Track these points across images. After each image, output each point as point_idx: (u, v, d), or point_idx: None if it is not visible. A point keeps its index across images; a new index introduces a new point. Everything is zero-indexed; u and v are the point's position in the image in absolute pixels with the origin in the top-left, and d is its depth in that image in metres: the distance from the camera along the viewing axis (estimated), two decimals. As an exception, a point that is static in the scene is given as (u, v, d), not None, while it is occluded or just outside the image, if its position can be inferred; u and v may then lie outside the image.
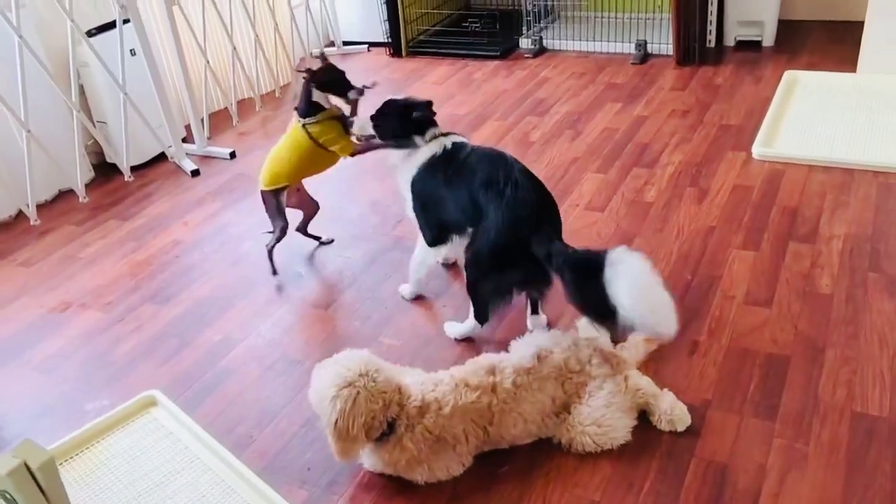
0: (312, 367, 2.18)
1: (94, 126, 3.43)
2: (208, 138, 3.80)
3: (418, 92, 4.14)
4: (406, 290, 2.47)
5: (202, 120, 3.78)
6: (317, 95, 2.43)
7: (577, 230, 2.71)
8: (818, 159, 2.99)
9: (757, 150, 3.09)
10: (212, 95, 4.09)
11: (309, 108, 2.44)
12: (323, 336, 2.35)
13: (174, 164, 3.62)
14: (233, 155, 3.62)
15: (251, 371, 2.24)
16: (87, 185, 3.41)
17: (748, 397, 1.96)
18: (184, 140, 3.72)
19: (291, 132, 2.48)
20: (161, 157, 3.66)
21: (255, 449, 1.96)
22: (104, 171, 3.59)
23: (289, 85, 4.46)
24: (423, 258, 2.38)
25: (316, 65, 2.49)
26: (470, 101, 3.96)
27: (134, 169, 3.53)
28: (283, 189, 2.54)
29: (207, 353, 2.33)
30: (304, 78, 2.42)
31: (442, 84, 4.24)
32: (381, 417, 1.72)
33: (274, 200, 2.56)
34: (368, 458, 1.83)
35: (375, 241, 2.78)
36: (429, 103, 2.30)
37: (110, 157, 3.54)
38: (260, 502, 1.78)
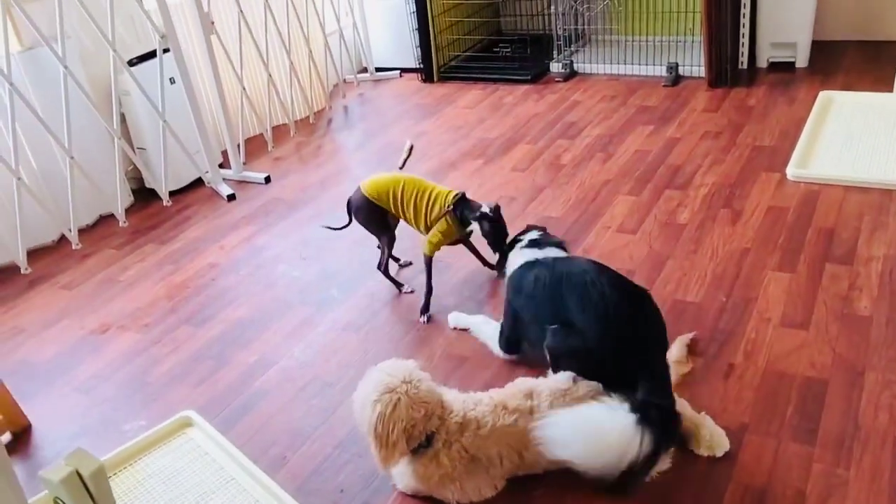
0: (345, 389, 2.23)
1: (135, 152, 3.51)
2: (244, 163, 3.87)
3: (450, 117, 4.18)
4: (456, 320, 2.44)
5: (238, 146, 3.86)
6: (477, 227, 2.45)
7: (609, 252, 2.70)
8: (855, 180, 2.95)
9: (791, 171, 3.06)
10: (248, 122, 4.17)
11: (463, 219, 2.47)
12: (355, 358, 2.36)
13: (211, 188, 3.68)
14: (268, 179, 3.68)
15: (285, 392, 2.26)
16: (126, 210, 3.49)
17: (786, 421, 1.92)
18: (220, 165, 3.79)
19: (439, 199, 2.51)
20: (198, 182, 3.73)
21: (288, 470, 1.97)
22: (143, 196, 3.67)
23: (323, 111, 4.53)
24: (488, 343, 2.32)
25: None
26: (501, 124, 3.99)
27: (172, 194, 3.60)
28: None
29: (242, 374, 2.36)
30: (485, 217, 2.42)
31: (473, 108, 4.27)
32: (421, 427, 1.72)
33: (375, 214, 2.61)
34: (402, 476, 1.84)
35: (414, 276, 2.81)
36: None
37: (149, 183, 3.62)
38: (294, 523, 1.79)
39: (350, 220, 2.65)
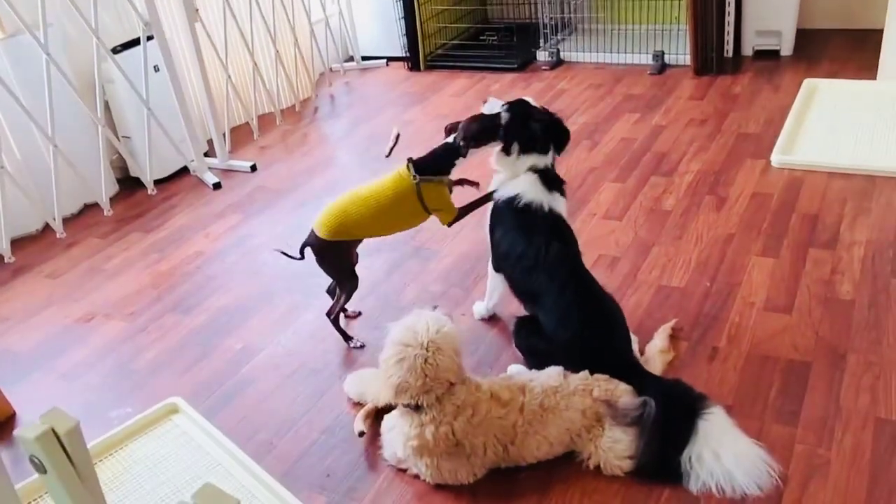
0: (331, 375, 2.23)
1: (119, 141, 3.49)
2: (230, 152, 3.85)
3: (437, 105, 4.18)
4: (479, 309, 2.41)
5: (224, 134, 3.84)
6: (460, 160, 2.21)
7: (595, 239, 2.71)
8: (838, 166, 2.97)
9: (776, 157, 3.08)
10: (233, 110, 4.15)
11: (436, 168, 2.21)
12: (342, 345, 2.36)
13: (196, 177, 3.67)
14: (254, 168, 3.67)
15: (271, 379, 2.26)
16: (111, 199, 3.47)
17: (769, 403, 1.94)
18: (206, 154, 3.77)
19: (394, 184, 2.20)
20: (183, 171, 3.72)
21: (275, 455, 1.97)
22: (128, 184, 3.65)
23: (309, 99, 4.51)
24: (492, 285, 2.28)
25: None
26: (488, 112, 3.98)
27: (157, 182, 3.58)
28: (355, 242, 2.29)
29: (228, 361, 2.36)
30: (454, 142, 2.20)
31: (460, 97, 4.27)
32: (414, 392, 1.72)
33: (341, 255, 2.27)
34: (390, 434, 1.88)
35: (395, 250, 2.80)
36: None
37: (134, 171, 3.60)
38: (280, 508, 1.79)
39: (303, 256, 2.27)
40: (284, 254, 2.31)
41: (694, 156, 3.24)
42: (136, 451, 2.01)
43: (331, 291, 2.42)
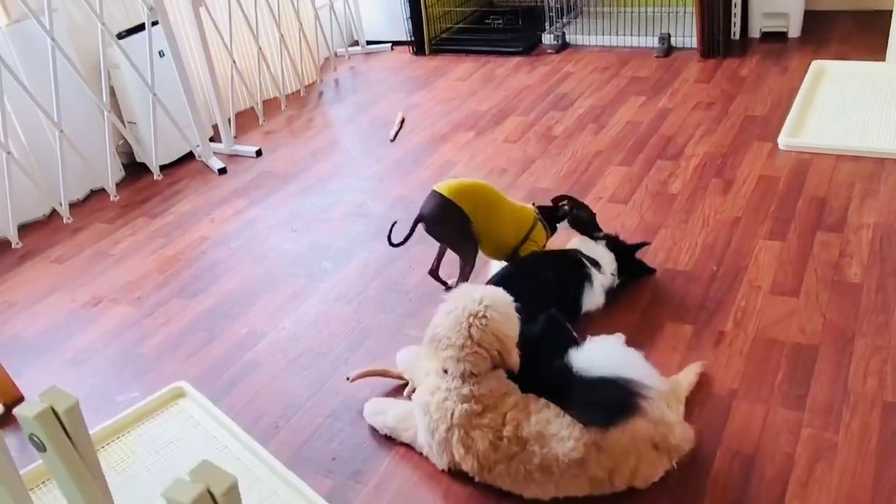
0: (337, 359, 2.24)
1: (125, 126, 3.49)
2: (235, 137, 3.84)
3: (442, 89, 4.16)
4: None
5: (229, 119, 3.83)
6: (564, 224, 2.42)
7: (601, 223, 2.67)
8: (847, 149, 2.95)
9: (783, 140, 3.06)
10: (238, 95, 4.14)
11: (551, 218, 2.40)
12: (347, 329, 2.37)
13: (202, 162, 3.67)
14: (259, 153, 3.66)
15: (277, 363, 2.26)
16: (117, 184, 3.47)
17: (776, 387, 1.94)
18: (211, 139, 3.77)
19: (522, 207, 2.36)
20: (189, 156, 3.71)
21: (280, 439, 1.98)
22: (134, 170, 3.65)
23: (314, 84, 4.50)
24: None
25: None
26: (492, 97, 3.97)
27: (163, 168, 3.58)
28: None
29: (234, 346, 2.36)
30: (566, 206, 2.40)
31: (465, 81, 4.25)
32: (450, 352, 1.70)
33: (463, 219, 2.25)
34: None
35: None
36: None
37: (140, 157, 3.60)
38: (286, 491, 1.80)
39: (409, 237, 2.30)
40: (393, 243, 2.32)
41: (700, 139, 3.22)
42: (142, 434, 2.02)
43: (434, 273, 2.44)
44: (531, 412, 1.68)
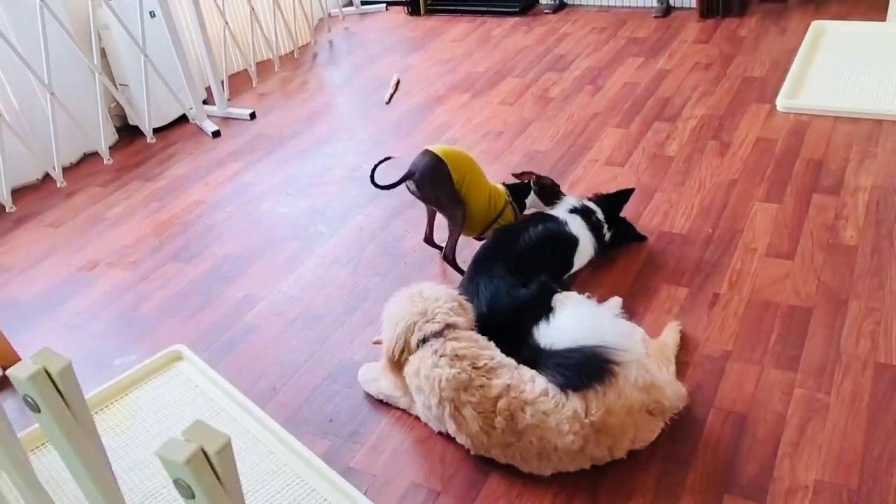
0: (333, 322, 2.25)
1: (117, 89, 3.45)
2: (228, 100, 3.81)
3: (438, 50, 4.11)
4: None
5: (222, 81, 3.79)
6: (530, 199, 2.43)
7: (597, 185, 2.69)
8: (845, 110, 2.93)
9: (781, 102, 3.04)
10: (231, 57, 4.09)
11: (519, 195, 2.42)
12: (343, 292, 2.37)
13: (195, 125, 3.64)
14: (253, 116, 3.63)
15: (273, 327, 2.27)
16: (111, 148, 3.45)
17: (769, 348, 1.95)
18: (204, 102, 3.73)
19: (496, 189, 2.36)
20: (182, 119, 3.68)
21: (278, 401, 2.00)
22: (127, 133, 3.62)
23: (307, 46, 4.44)
24: None
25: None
26: (489, 58, 3.92)
27: (156, 131, 3.55)
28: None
29: (230, 309, 2.37)
30: (530, 181, 2.43)
31: (461, 41, 4.20)
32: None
33: (452, 181, 2.25)
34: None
35: (395, 198, 2.78)
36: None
37: (133, 120, 3.56)
38: (284, 451, 1.82)
39: (393, 186, 2.24)
40: (376, 184, 2.23)
41: (698, 101, 3.20)
42: (140, 397, 2.04)
43: (428, 240, 2.44)
44: (526, 402, 1.66)
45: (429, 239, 2.45)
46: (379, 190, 2.24)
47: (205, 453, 0.89)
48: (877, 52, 3.34)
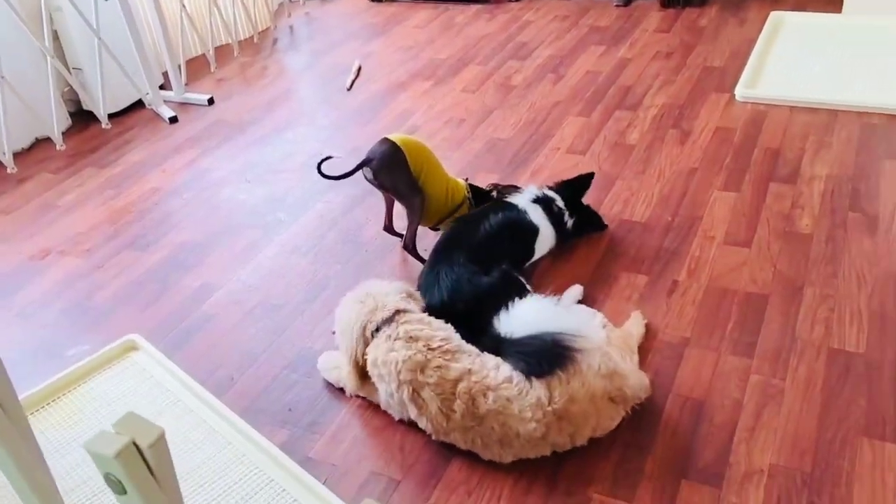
0: (293, 311, 2.22)
1: (70, 73, 3.36)
2: (186, 85, 3.73)
3: (400, 37, 4.08)
4: None
5: (179, 66, 3.71)
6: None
7: (558, 173, 2.69)
8: (802, 100, 2.97)
9: (740, 91, 3.07)
10: (189, 41, 4.01)
11: (479, 199, 2.40)
12: (303, 280, 2.34)
13: (152, 111, 3.56)
14: (211, 101, 3.56)
15: (232, 316, 2.23)
16: (63, 133, 3.36)
17: (726, 335, 1.97)
18: (161, 87, 3.66)
19: (455, 182, 2.36)
20: (138, 105, 3.60)
21: (236, 391, 1.97)
22: (81, 118, 3.53)
23: (267, 30, 4.37)
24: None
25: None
26: (451, 45, 3.90)
27: (111, 116, 3.47)
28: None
29: (188, 298, 2.32)
30: (493, 191, 2.45)
31: (423, 28, 4.17)
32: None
33: (409, 169, 2.23)
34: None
35: (356, 186, 2.75)
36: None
37: (87, 105, 3.48)
38: (242, 442, 1.79)
39: (348, 175, 2.21)
40: (323, 174, 2.21)
41: (659, 89, 3.22)
42: (94, 388, 1.99)
43: (388, 229, 2.42)
44: (489, 388, 1.65)
45: (388, 228, 2.43)
46: (334, 181, 2.22)
47: (137, 446, 0.85)
48: (832, 44, 3.39)
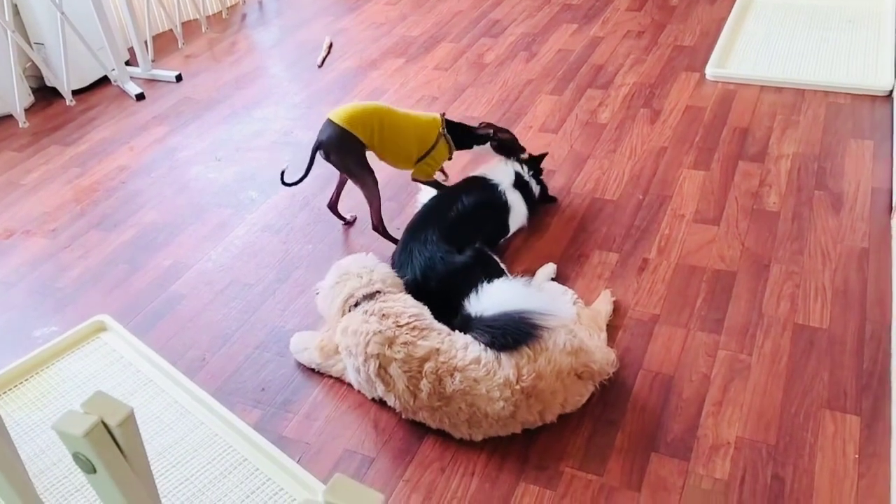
0: (265, 290, 2.21)
1: (32, 48, 3.28)
2: (153, 61, 3.67)
3: (371, 13, 4.03)
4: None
5: (146, 42, 3.64)
6: (481, 148, 2.39)
7: (531, 152, 2.69)
8: (770, 80, 3.00)
9: (710, 70, 3.09)
10: (155, 16, 3.93)
11: (460, 138, 2.35)
12: (275, 260, 2.33)
13: (118, 87, 3.49)
14: (179, 78, 3.50)
15: (202, 295, 2.22)
16: (26, 110, 3.28)
17: (695, 312, 2.01)
18: (127, 63, 3.58)
19: (426, 123, 2.30)
20: (104, 81, 3.53)
21: (208, 371, 1.96)
22: (44, 95, 3.45)
23: (236, 6, 4.30)
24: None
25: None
26: (423, 22, 3.87)
27: (76, 93, 3.40)
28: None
29: (157, 278, 2.30)
30: (489, 131, 2.37)
31: (395, 5, 4.13)
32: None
33: (360, 150, 2.24)
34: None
35: (328, 166, 2.73)
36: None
37: (50, 81, 3.40)
38: (215, 422, 1.79)
39: (309, 169, 2.24)
40: (286, 183, 2.26)
41: (630, 68, 3.23)
42: (63, 369, 1.97)
43: (332, 206, 2.41)
44: (456, 368, 1.66)
45: (332, 206, 2.42)
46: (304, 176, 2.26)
47: (106, 426, 0.85)
48: (801, 23, 3.42)
